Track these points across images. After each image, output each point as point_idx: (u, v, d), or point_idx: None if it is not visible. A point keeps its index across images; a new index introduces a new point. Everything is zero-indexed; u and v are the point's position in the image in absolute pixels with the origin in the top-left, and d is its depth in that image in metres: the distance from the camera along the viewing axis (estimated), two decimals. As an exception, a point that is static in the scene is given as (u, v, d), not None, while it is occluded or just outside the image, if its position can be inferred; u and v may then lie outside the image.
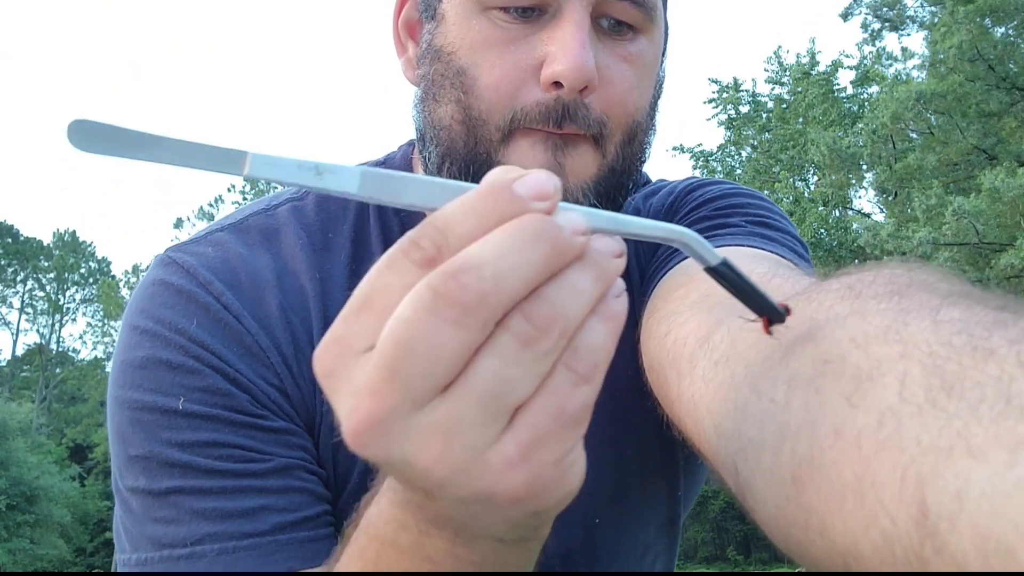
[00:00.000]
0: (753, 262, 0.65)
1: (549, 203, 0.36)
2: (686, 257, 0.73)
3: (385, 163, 0.86)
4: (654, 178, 0.95)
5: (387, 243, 0.79)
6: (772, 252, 0.72)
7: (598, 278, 0.36)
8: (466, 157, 0.69)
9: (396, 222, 0.81)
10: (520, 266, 0.34)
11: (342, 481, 0.73)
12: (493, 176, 0.36)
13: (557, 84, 0.66)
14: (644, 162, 0.75)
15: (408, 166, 0.83)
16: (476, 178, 0.69)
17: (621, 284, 0.38)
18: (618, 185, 0.71)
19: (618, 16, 0.69)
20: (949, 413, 0.29)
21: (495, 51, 0.68)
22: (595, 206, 0.69)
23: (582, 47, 0.65)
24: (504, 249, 0.34)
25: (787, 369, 0.40)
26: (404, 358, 0.34)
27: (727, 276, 0.41)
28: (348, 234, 0.80)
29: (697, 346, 0.56)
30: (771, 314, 0.42)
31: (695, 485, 0.89)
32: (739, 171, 21.75)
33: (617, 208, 0.72)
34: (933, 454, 0.28)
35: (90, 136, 0.36)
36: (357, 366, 0.35)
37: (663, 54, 0.77)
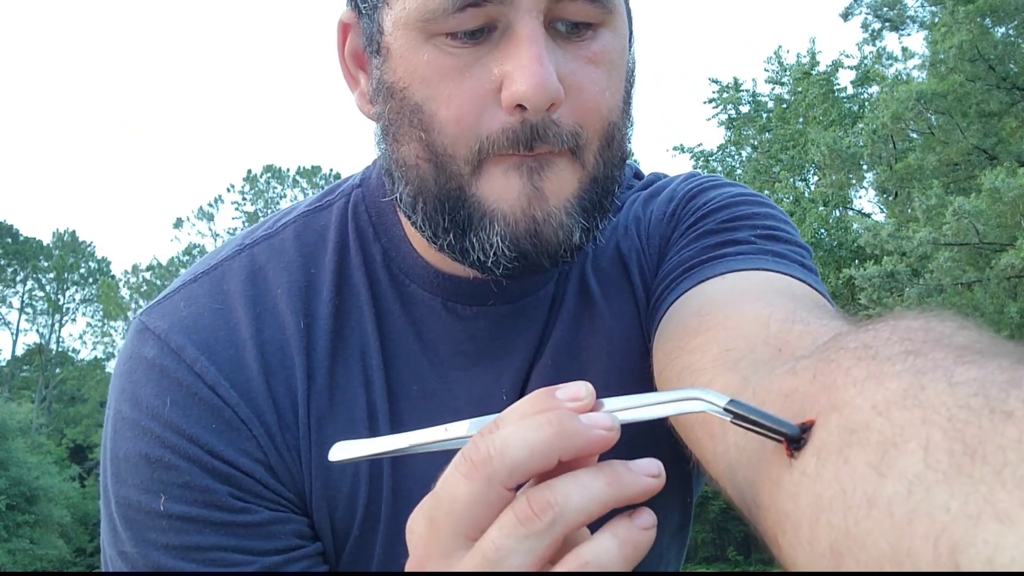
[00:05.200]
0: (772, 303, 0.63)
1: (580, 403, 0.43)
2: (693, 286, 0.72)
3: (361, 185, 0.82)
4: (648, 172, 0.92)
5: (369, 272, 0.77)
6: (785, 273, 0.71)
7: (612, 483, 0.41)
8: (439, 195, 0.66)
9: (378, 249, 0.78)
10: (525, 439, 0.41)
11: (342, 537, 0.73)
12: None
13: (520, 106, 0.61)
14: (625, 160, 0.72)
15: (383, 187, 0.78)
16: (452, 214, 0.66)
17: (652, 518, 0.42)
18: (603, 192, 0.69)
19: (573, 18, 0.64)
20: (975, 479, 0.30)
21: (450, 81, 0.63)
22: (583, 225, 0.67)
23: (540, 64, 0.60)
24: (519, 428, 0.42)
25: (814, 439, 0.41)
26: (435, 504, 0.43)
27: (739, 415, 0.43)
28: (330, 266, 0.77)
29: None
30: (789, 438, 0.42)
31: (699, 489, 0.89)
32: (739, 171, 21.74)
33: (604, 213, 0.70)
34: (963, 521, 0.29)
35: (348, 451, 0.52)
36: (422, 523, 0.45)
37: (630, 41, 0.72)
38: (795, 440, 0.42)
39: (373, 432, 0.73)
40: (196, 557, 0.66)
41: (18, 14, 74.85)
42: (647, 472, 0.42)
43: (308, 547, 0.71)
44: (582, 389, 0.43)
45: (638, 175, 0.91)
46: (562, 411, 0.42)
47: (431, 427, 0.49)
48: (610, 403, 0.45)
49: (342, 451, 0.52)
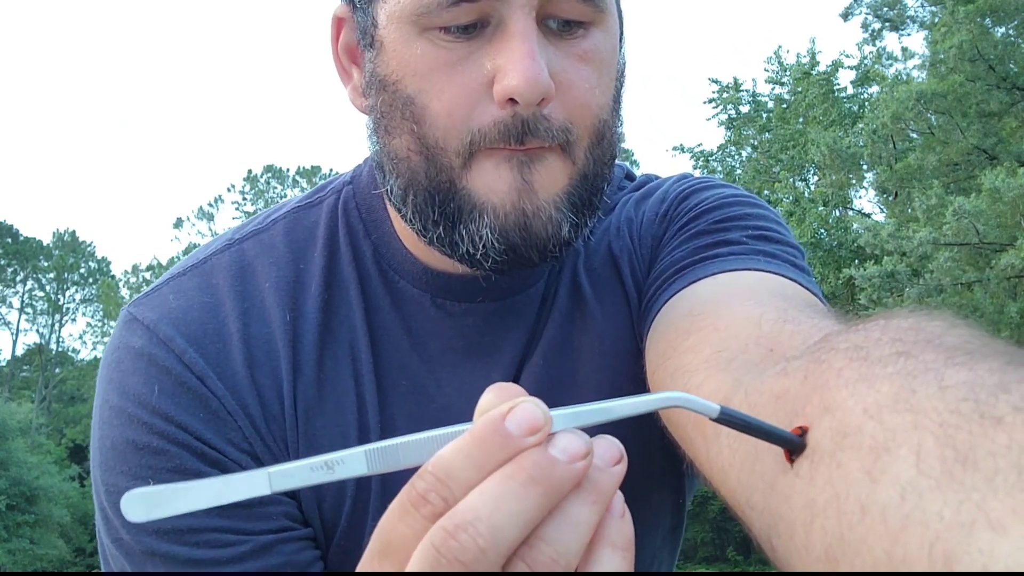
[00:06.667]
0: (763, 303, 0.63)
1: (541, 434, 0.37)
2: (685, 286, 0.71)
3: (352, 182, 0.83)
4: (643, 171, 0.92)
5: (359, 268, 0.77)
6: (776, 273, 0.71)
7: (596, 501, 0.38)
8: (429, 187, 0.67)
9: (368, 245, 0.78)
10: (515, 513, 0.35)
11: (330, 528, 0.74)
12: (484, 407, 0.38)
13: (512, 100, 0.62)
14: (615, 158, 0.72)
15: (373, 183, 0.79)
16: (442, 207, 0.66)
17: (620, 500, 0.39)
18: (592, 189, 0.69)
19: (565, 15, 0.65)
20: (967, 486, 0.30)
21: (442, 74, 0.64)
22: (572, 220, 0.67)
23: (532, 59, 0.61)
24: (499, 499, 0.35)
25: (807, 441, 0.41)
26: None
27: (733, 422, 0.41)
28: (319, 262, 0.77)
29: None
30: (788, 445, 0.41)
31: (693, 490, 0.89)
32: (739, 171, 21.76)
33: (593, 210, 0.70)
34: (956, 529, 0.29)
35: (141, 504, 0.40)
36: None
37: (620, 40, 0.73)
38: (798, 449, 0.41)
39: (362, 423, 0.75)
40: (189, 540, 0.67)
41: (18, 14, 74.90)
42: (612, 461, 0.39)
43: (299, 530, 0.72)
44: (538, 415, 0.37)
45: (630, 176, 0.91)
46: (540, 461, 0.36)
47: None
48: (558, 416, 0.38)
49: (136, 503, 0.41)
